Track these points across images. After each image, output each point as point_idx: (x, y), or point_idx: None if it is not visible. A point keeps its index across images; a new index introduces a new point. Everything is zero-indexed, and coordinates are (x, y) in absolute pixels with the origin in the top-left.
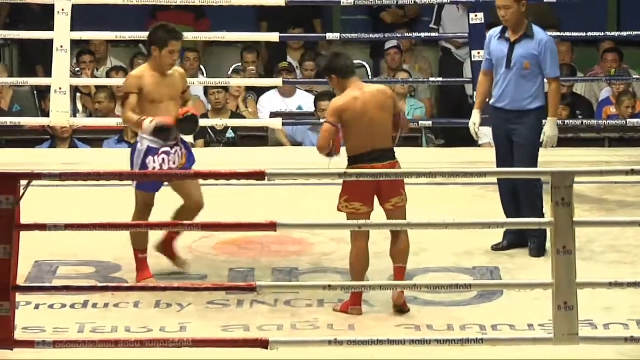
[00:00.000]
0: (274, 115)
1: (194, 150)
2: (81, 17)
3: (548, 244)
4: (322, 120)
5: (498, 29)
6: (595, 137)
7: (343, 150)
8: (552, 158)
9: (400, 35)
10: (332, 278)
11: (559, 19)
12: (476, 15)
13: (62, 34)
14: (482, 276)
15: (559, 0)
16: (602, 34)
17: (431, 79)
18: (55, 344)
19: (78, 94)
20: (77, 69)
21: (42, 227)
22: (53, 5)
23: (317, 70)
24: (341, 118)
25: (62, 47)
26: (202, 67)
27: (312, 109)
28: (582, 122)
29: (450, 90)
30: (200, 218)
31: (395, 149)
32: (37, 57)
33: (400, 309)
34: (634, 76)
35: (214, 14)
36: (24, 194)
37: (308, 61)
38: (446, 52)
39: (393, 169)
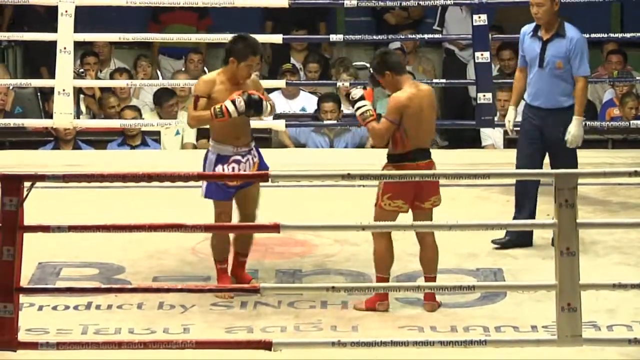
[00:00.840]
0: (277, 116)
1: (196, 150)
2: (85, 19)
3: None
4: (326, 122)
5: (531, 26)
6: (598, 138)
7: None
8: None
9: (403, 37)
10: (335, 279)
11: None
12: (479, 17)
13: (65, 36)
14: (486, 277)
15: (563, 1)
16: (606, 35)
17: (434, 80)
18: (59, 345)
19: (81, 96)
20: (81, 70)
21: (45, 228)
22: (57, 7)
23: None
24: (402, 115)
25: (65, 48)
26: (205, 69)
27: (315, 110)
28: (586, 124)
29: (454, 91)
30: (204, 219)
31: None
32: (41, 59)
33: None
34: (638, 77)
35: (218, 15)
36: (27, 195)
37: (311, 63)
38: (449, 54)
39: (431, 169)
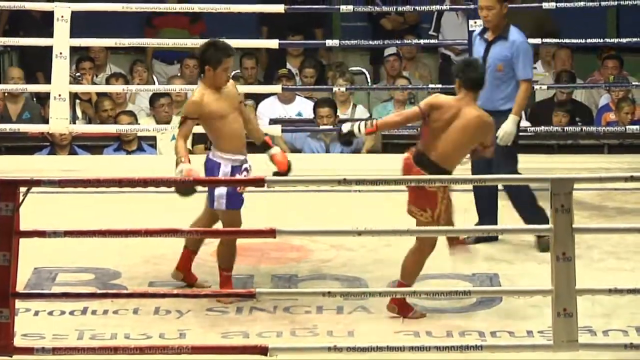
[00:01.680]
0: (273, 121)
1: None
2: (81, 24)
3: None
4: (322, 127)
5: (481, 29)
6: (594, 143)
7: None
8: (552, 164)
9: (399, 42)
10: (331, 285)
11: (559, 26)
12: (475, 22)
13: (61, 41)
14: (481, 283)
15: (559, 6)
16: (602, 40)
17: (431, 85)
18: (55, 350)
19: (77, 101)
20: (78, 74)
21: (41, 233)
22: (52, 12)
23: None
24: (429, 113)
25: (61, 53)
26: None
27: (311, 115)
28: (582, 129)
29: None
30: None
31: (395, 155)
32: (37, 64)
33: None
34: (633, 83)
35: (213, 19)
36: (23, 200)
37: (307, 68)
38: (446, 59)
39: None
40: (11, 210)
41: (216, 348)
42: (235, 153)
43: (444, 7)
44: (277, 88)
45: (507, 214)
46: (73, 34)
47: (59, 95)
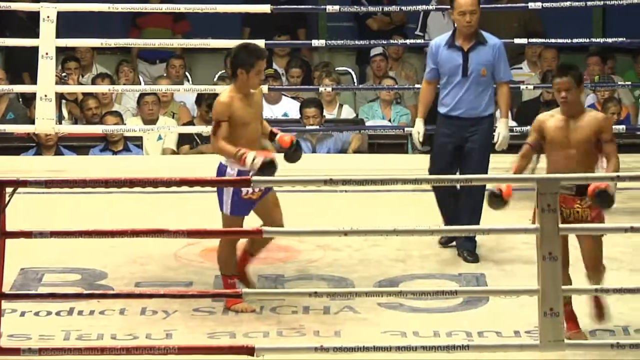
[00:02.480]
0: None
1: (179, 156)
2: (67, 24)
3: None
4: (308, 127)
5: (444, 39)
6: None
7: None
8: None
9: (386, 42)
10: (318, 285)
11: (545, 26)
12: None
13: (47, 41)
14: (468, 283)
15: (545, 6)
16: (588, 40)
17: (417, 85)
18: (41, 351)
19: (63, 101)
20: (64, 74)
21: (27, 234)
22: (38, 13)
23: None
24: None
25: (47, 54)
26: (187, 74)
27: (297, 116)
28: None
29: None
30: (186, 225)
31: (381, 155)
32: (23, 65)
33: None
34: (619, 83)
35: (196, 20)
36: (9, 201)
37: (294, 68)
38: None
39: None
40: None
41: (203, 348)
42: None
43: (430, 7)
44: (263, 88)
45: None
46: (59, 35)
47: (45, 95)
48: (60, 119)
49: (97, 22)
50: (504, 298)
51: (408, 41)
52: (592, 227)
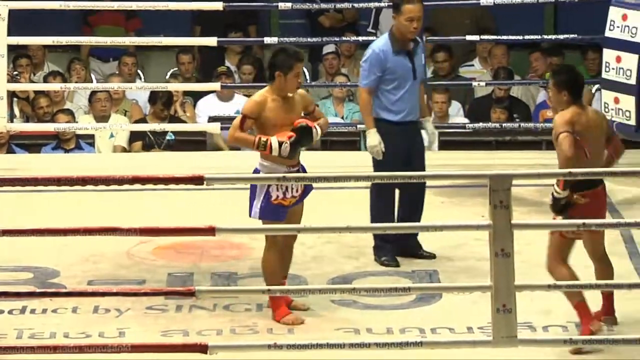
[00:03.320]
0: (212, 119)
1: (131, 154)
2: (18, 22)
3: None
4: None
5: (385, 44)
6: (532, 140)
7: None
8: (490, 161)
9: (338, 39)
10: None
11: (497, 23)
12: None
13: None
14: (421, 279)
15: (497, 3)
16: (539, 37)
17: None
18: None
19: (15, 99)
20: (16, 72)
21: None
22: None
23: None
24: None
25: None
26: (140, 72)
27: None
28: (520, 125)
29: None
30: (138, 223)
31: (334, 152)
32: None
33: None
34: None
35: (148, 17)
36: None
37: (246, 65)
38: None
39: None
40: None
41: (156, 346)
42: (277, 163)
43: (382, 5)
44: (215, 85)
45: (447, 210)
46: (10, 32)
47: None
48: (11, 117)
49: (48, 20)
50: (457, 294)
51: (360, 38)
52: (546, 223)
